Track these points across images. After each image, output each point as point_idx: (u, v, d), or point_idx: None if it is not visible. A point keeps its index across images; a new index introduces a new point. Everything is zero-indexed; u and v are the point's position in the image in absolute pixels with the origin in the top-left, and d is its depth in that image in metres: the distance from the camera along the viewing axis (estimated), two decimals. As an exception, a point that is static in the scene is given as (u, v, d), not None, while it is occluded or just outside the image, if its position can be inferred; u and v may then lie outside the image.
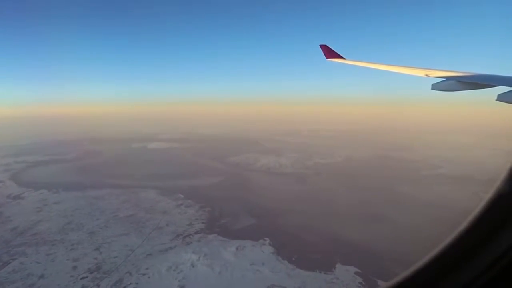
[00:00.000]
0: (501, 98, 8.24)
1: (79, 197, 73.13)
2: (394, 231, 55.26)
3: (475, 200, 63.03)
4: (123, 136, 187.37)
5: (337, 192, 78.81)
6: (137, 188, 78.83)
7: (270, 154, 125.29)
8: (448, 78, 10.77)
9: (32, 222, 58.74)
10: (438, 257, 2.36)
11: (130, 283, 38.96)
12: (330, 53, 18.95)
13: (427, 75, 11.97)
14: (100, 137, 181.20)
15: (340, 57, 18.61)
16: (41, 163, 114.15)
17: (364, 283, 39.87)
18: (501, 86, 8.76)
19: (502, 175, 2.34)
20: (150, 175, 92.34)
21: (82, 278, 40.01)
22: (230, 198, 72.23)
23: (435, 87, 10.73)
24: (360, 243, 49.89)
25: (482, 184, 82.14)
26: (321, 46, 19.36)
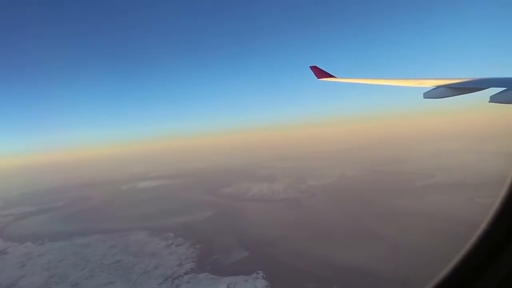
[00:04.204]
0: (494, 99, 8.29)
1: (65, 246, 70.22)
2: (393, 249, 53.37)
3: (470, 206, 62.31)
4: (113, 178, 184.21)
5: (332, 213, 76.99)
6: (125, 231, 76.09)
7: (263, 182, 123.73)
8: (439, 86, 10.83)
9: (15, 278, 56.06)
10: (458, 266, 2.23)
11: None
12: (320, 73, 18.90)
13: (418, 85, 11.97)
14: (89, 182, 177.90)
15: (330, 76, 18.62)
16: (29, 214, 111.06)
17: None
18: (492, 88, 8.85)
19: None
20: (139, 216, 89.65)
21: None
22: (222, 231, 69.91)
23: (426, 95, 10.83)
24: (359, 265, 47.80)
25: (476, 189, 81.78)
26: (311, 67, 19.36)
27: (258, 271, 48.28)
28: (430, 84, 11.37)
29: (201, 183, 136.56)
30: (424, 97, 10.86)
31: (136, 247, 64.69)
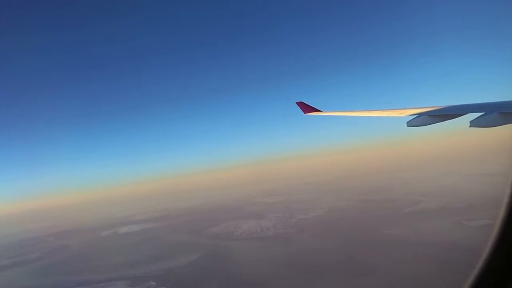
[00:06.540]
0: (474, 124, 8.70)
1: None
2: (388, 282, 51.06)
3: (460, 230, 61.45)
4: (93, 224, 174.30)
5: (324, 248, 74.51)
6: (103, 283, 70.69)
7: (251, 219, 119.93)
8: (420, 114, 11.22)
9: None
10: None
11: None
12: (306, 108, 19.16)
13: (401, 115, 12.41)
14: (67, 229, 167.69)
15: (316, 110, 18.96)
16: (1, 268, 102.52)
17: None
18: (470, 114, 9.30)
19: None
20: (119, 265, 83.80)
21: None
22: (209, 276, 65.85)
23: (410, 123, 11.18)
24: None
25: (463, 212, 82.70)
26: (297, 103, 19.50)
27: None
28: (412, 113, 11.78)
29: (186, 224, 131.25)
30: (408, 126, 11.16)
31: (114, 301, 59.48)
